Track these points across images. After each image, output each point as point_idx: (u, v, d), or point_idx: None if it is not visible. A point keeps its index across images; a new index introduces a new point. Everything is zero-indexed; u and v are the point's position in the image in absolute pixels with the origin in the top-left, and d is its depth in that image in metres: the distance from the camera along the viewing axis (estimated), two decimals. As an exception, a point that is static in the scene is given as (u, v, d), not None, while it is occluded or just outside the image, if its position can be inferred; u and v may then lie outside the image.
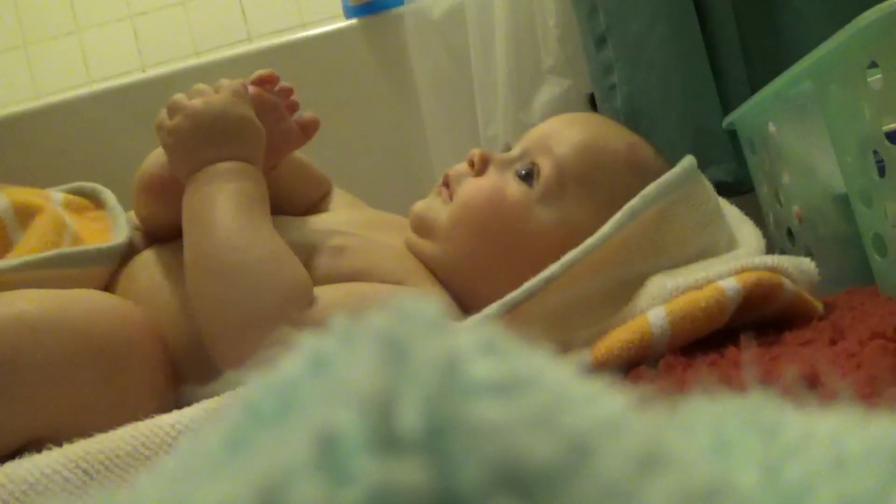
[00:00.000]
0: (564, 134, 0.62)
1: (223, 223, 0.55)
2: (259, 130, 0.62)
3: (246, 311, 0.52)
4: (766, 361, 0.38)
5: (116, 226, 0.70)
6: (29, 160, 1.18)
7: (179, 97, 0.61)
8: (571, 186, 0.60)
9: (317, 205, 0.79)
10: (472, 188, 0.62)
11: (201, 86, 0.62)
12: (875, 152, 0.55)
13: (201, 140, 0.59)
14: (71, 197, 0.74)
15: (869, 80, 0.54)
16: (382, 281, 0.59)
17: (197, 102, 0.60)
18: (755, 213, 0.73)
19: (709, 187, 0.62)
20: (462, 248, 0.62)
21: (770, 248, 0.64)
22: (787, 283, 0.49)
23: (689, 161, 0.60)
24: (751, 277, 0.48)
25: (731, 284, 0.47)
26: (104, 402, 0.53)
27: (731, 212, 0.67)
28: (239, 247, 0.54)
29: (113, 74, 1.53)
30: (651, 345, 0.46)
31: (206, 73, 1.22)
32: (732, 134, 0.88)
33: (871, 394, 0.28)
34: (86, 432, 0.50)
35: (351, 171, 1.07)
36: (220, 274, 0.54)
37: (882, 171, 0.54)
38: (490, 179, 0.62)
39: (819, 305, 0.53)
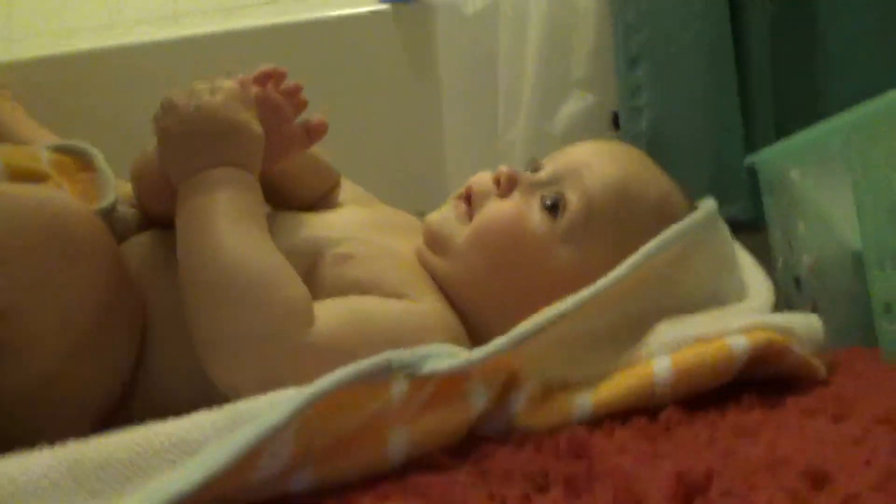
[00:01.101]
0: (599, 169, 0.60)
1: (217, 239, 0.53)
2: (256, 136, 0.58)
3: (241, 332, 0.50)
4: (771, 430, 0.38)
5: (103, 191, 0.66)
6: (49, 108, 1.17)
7: (174, 96, 0.58)
8: (597, 229, 0.58)
9: (324, 198, 0.76)
10: (494, 213, 0.60)
11: (199, 85, 0.58)
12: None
13: (191, 145, 0.56)
14: (58, 156, 0.69)
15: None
16: (387, 294, 0.57)
17: (190, 105, 0.57)
18: (765, 252, 0.73)
19: (726, 233, 0.61)
20: (474, 272, 0.60)
21: (775, 293, 0.64)
22: (795, 347, 0.49)
23: (709, 205, 0.60)
24: (761, 338, 0.47)
25: (739, 342, 0.47)
26: (60, 279, 0.52)
27: (745, 260, 0.66)
28: (234, 263, 0.52)
29: (144, 19, 1.51)
30: (653, 394, 0.46)
31: (235, 39, 1.22)
32: (752, 172, 0.88)
33: (881, 488, 0.28)
34: (47, 308, 0.52)
35: (362, 160, 1.05)
36: (215, 292, 0.52)
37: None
38: (513, 204, 0.60)
39: (822, 368, 0.52)
